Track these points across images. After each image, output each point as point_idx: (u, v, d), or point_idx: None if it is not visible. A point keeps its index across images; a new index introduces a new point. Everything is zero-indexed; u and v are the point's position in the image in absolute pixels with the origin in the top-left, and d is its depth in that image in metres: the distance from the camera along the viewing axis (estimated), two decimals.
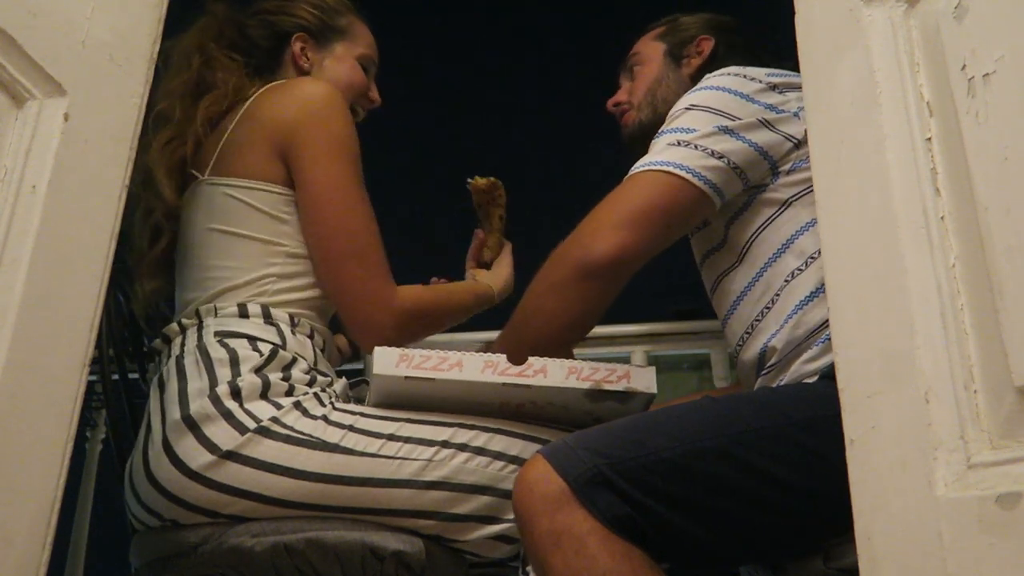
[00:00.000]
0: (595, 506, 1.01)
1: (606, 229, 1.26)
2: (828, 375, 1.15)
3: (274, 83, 1.47)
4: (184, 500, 1.19)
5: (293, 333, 1.33)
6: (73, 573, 2.18)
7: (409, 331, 1.38)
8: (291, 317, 1.34)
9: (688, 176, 1.27)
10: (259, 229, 1.36)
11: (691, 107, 1.34)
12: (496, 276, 1.60)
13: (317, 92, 1.41)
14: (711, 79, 1.38)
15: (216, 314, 1.33)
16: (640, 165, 1.31)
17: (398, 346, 1.28)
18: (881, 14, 0.83)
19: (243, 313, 1.32)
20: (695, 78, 1.51)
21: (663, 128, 1.35)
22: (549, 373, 1.24)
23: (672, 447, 1.06)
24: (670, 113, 1.38)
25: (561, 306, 1.30)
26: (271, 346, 1.28)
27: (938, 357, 0.71)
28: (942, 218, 0.75)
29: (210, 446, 1.18)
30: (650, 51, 1.64)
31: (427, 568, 1.20)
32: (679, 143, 1.29)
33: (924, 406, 0.70)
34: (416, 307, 1.39)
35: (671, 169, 1.27)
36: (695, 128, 1.30)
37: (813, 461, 1.04)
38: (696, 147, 1.28)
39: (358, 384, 1.47)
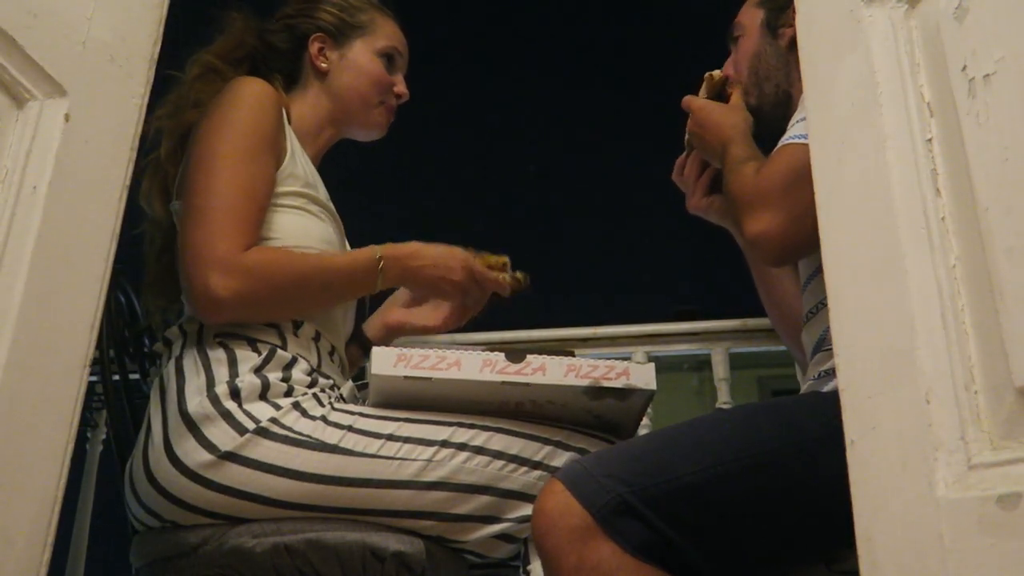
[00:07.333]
0: (622, 536, 1.00)
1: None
2: None
3: None
4: (184, 501, 1.19)
5: (295, 334, 1.33)
6: (73, 573, 2.17)
7: (249, 293, 1.24)
8: (293, 320, 1.33)
9: None
10: None
11: None
12: (395, 245, 1.39)
13: (232, 87, 1.39)
14: None
15: None
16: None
17: (237, 309, 1.22)
18: (882, 14, 0.83)
19: None
20: (793, 47, 1.44)
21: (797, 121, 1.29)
22: (548, 371, 1.24)
23: (694, 471, 1.05)
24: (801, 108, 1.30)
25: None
26: (270, 346, 1.28)
27: (939, 358, 0.71)
28: (942, 219, 0.75)
29: (209, 446, 1.18)
30: (749, 20, 1.55)
31: (428, 569, 1.20)
32: None
33: (924, 407, 0.70)
34: (260, 267, 1.25)
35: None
36: None
37: (830, 479, 1.04)
38: None
39: (366, 387, 1.46)
